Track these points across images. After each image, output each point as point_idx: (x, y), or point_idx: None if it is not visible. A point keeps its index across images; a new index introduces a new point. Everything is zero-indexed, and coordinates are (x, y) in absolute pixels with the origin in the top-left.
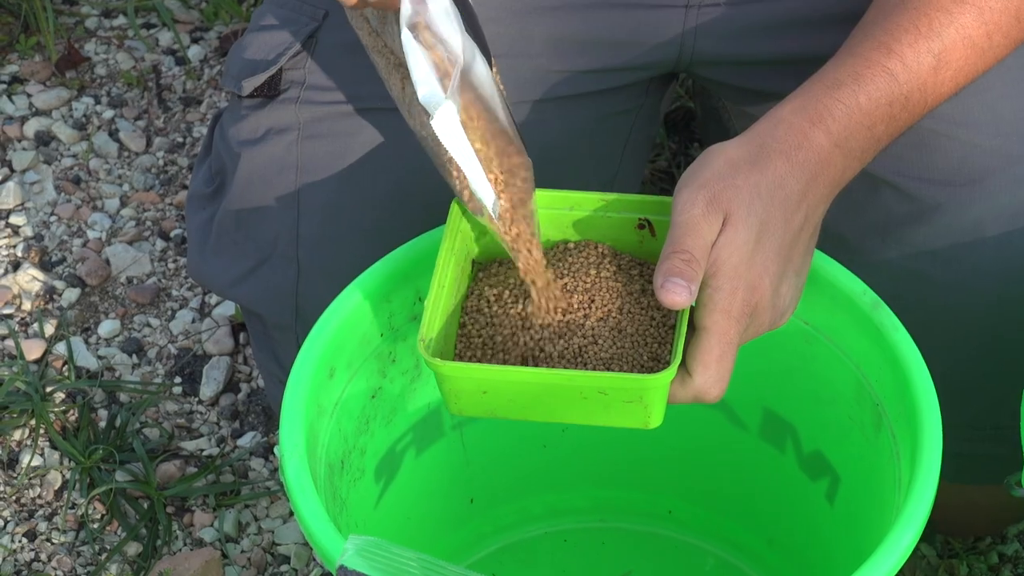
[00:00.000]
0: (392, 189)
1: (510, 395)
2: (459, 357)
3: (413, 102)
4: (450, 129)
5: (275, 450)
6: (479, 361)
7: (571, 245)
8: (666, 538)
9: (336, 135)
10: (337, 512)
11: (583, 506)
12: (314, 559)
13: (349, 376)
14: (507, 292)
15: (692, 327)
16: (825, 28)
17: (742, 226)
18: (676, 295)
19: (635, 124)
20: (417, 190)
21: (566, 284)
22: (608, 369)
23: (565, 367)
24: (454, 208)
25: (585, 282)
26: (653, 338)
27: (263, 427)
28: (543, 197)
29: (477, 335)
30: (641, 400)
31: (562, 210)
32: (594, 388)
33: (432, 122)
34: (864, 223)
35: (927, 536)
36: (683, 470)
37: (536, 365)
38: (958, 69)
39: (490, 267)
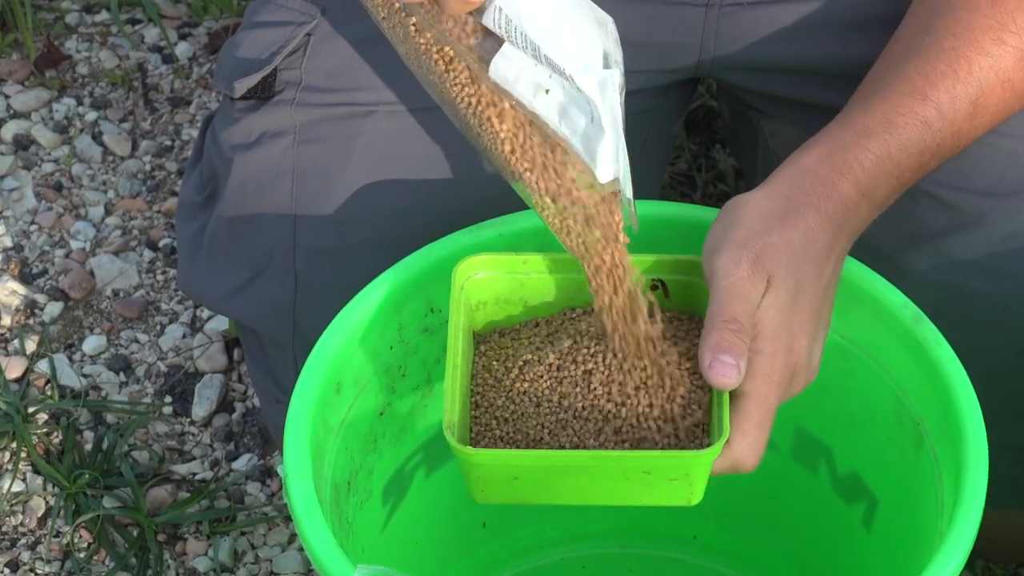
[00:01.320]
0: (395, 196)
1: (544, 480)
2: (475, 442)
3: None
4: (611, 95)
5: (279, 469)
6: (498, 444)
7: (579, 311)
8: (691, 565)
9: (335, 139)
10: (343, 536)
11: (603, 530)
12: None
13: (357, 391)
14: (519, 365)
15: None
16: (855, 33)
17: (783, 287)
18: (726, 377)
19: (653, 126)
20: (422, 196)
21: (578, 355)
22: (642, 445)
23: (596, 446)
24: (455, 279)
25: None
26: (683, 408)
27: (259, 449)
28: (544, 261)
29: (492, 415)
30: (687, 477)
31: (568, 274)
32: (638, 468)
33: (594, 94)
34: (900, 234)
35: (967, 561)
36: (709, 492)
37: (563, 444)
38: (995, 112)
39: (490, 338)
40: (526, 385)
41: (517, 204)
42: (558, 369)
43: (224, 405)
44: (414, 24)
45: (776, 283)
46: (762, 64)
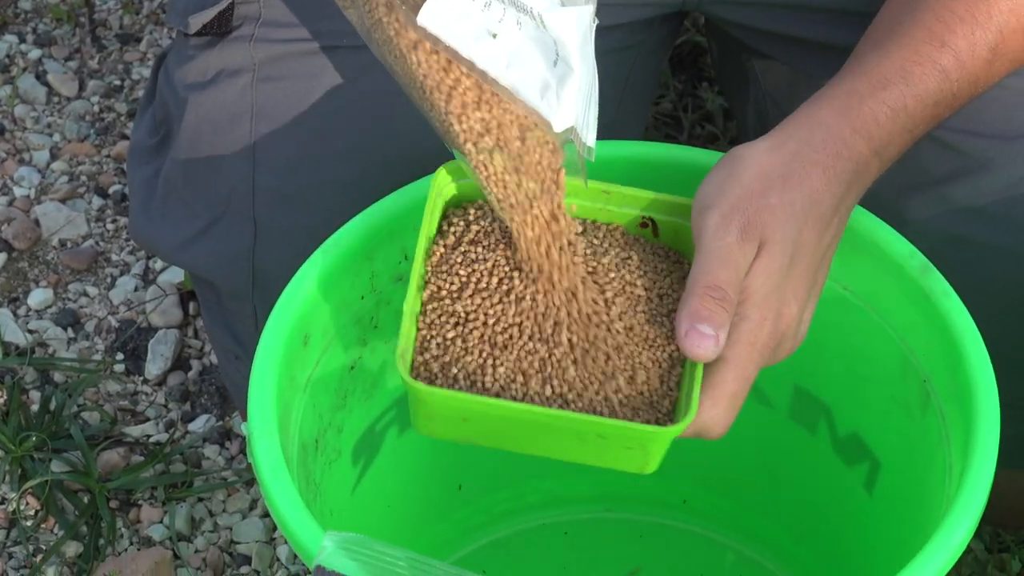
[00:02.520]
0: (361, 137)
1: (494, 426)
2: (417, 371)
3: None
4: (585, 33)
5: (237, 426)
6: (444, 374)
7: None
8: (680, 531)
9: (296, 77)
10: (311, 499)
11: (587, 494)
12: (278, 559)
13: (326, 344)
14: (479, 281)
15: None
16: None
17: (777, 251)
18: (702, 347)
19: (636, 62)
20: (391, 138)
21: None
22: (604, 405)
23: (554, 398)
24: (437, 180)
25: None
26: (656, 364)
27: (217, 409)
28: None
29: (440, 338)
30: (644, 448)
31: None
32: (593, 432)
33: (568, 32)
34: (902, 179)
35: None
36: (700, 454)
37: (517, 388)
38: (1013, 59)
39: (452, 252)
40: (481, 316)
41: None
42: (519, 304)
43: (179, 363)
44: None
45: (770, 247)
46: None
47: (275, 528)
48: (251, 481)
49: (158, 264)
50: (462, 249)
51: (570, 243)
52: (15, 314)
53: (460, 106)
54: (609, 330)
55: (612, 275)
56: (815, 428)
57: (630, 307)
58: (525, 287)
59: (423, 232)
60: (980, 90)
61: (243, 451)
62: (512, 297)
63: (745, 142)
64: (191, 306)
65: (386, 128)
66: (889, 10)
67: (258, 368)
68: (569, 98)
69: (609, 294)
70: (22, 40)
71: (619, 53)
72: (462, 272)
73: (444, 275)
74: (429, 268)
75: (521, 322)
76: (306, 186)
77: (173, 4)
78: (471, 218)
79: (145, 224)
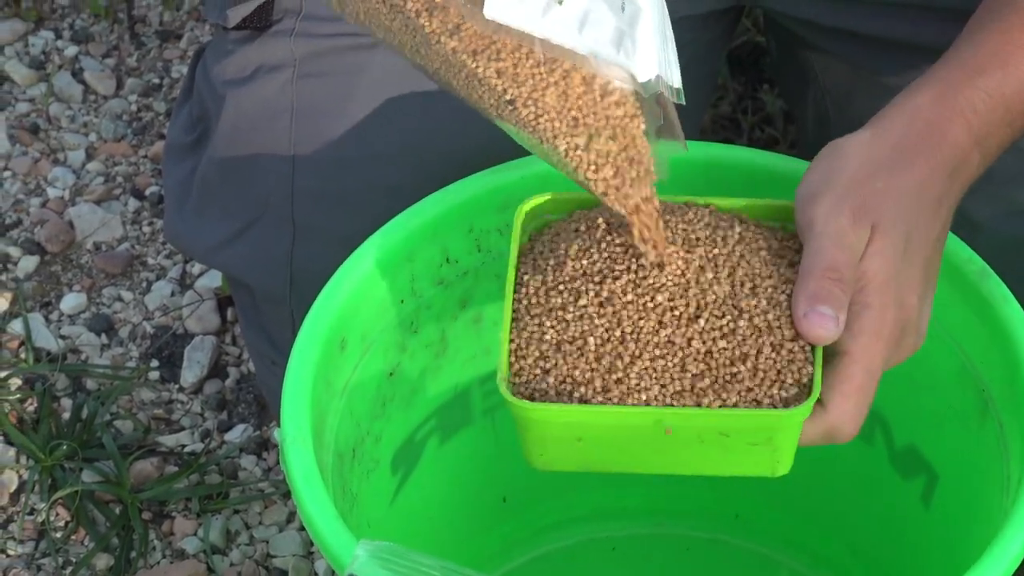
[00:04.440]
0: (405, 137)
1: (611, 442)
2: (517, 389)
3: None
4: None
5: (275, 435)
6: (551, 392)
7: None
8: (732, 546)
9: (338, 73)
10: (347, 509)
11: (636, 507)
12: (316, 574)
13: (363, 349)
14: (576, 286)
15: (828, 349)
16: None
17: (891, 235)
18: (823, 328)
19: (690, 62)
20: (436, 138)
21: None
22: (724, 402)
23: (661, 396)
24: (521, 210)
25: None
26: (775, 357)
27: (255, 419)
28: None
29: (532, 352)
30: (770, 442)
31: None
32: (715, 430)
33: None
34: None
35: None
36: None
37: (633, 387)
38: None
39: (537, 248)
40: (584, 323)
41: None
42: (623, 306)
43: (216, 370)
44: None
45: (884, 229)
46: None
47: (313, 542)
48: (288, 493)
49: (196, 268)
50: (550, 261)
51: (672, 229)
52: (47, 319)
53: (537, 106)
54: (727, 321)
55: (723, 260)
56: (872, 439)
57: (747, 295)
58: (627, 284)
59: (511, 259)
60: None
61: (280, 457)
62: (615, 297)
63: (805, 144)
64: (229, 312)
65: (431, 128)
66: (986, 2)
67: (293, 372)
68: (645, 38)
69: (722, 284)
70: (58, 36)
71: None
72: (552, 281)
73: (535, 290)
74: (520, 285)
75: (624, 324)
76: (348, 188)
77: None
78: (551, 234)
79: (180, 224)
